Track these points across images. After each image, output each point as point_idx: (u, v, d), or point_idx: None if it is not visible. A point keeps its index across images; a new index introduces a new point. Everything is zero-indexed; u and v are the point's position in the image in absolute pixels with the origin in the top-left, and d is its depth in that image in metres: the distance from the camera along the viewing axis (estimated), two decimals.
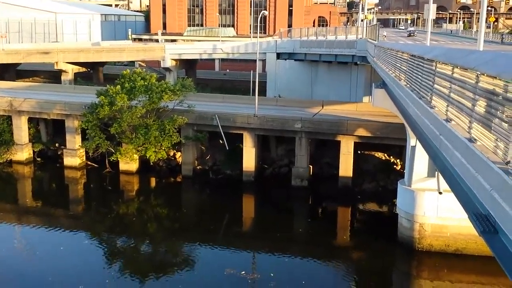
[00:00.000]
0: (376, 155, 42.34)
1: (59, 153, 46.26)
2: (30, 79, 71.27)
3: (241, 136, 40.80)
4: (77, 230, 32.77)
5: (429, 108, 15.35)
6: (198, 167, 43.24)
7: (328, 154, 43.21)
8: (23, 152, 45.30)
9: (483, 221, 9.82)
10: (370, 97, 42.65)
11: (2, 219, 34.56)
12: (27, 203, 39.48)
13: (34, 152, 46.38)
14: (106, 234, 32.90)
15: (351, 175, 38.92)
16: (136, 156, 41.69)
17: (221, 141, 42.74)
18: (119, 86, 40.64)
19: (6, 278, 25.88)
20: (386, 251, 30.19)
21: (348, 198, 38.49)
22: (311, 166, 40.73)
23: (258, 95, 41.63)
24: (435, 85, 15.27)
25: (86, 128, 41.83)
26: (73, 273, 26.41)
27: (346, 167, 38.80)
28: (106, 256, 29.45)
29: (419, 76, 18.16)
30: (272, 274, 26.66)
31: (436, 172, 28.50)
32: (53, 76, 69.67)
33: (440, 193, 28.45)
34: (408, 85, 21.05)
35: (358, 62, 48.74)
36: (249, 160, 40.72)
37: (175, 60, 60.64)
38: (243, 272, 26.61)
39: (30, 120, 46.32)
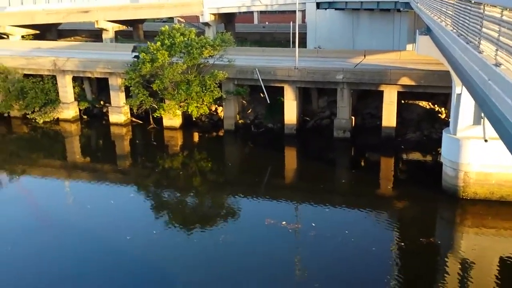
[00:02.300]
0: (420, 104, 41.46)
1: (104, 110, 47.45)
2: (72, 38, 72.48)
3: (282, 89, 40.63)
4: (125, 185, 33.93)
5: (477, 53, 14.84)
6: (239, 121, 43.55)
7: (371, 104, 42.66)
8: (69, 110, 46.64)
9: None
10: (414, 44, 41.49)
11: (53, 175, 36.13)
12: (76, 159, 40.97)
13: (80, 110, 47.66)
14: (152, 187, 33.96)
15: (395, 125, 38.41)
16: (179, 112, 42.30)
17: (262, 95, 42.74)
18: (159, 42, 40.86)
19: (60, 231, 27.29)
20: (430, 200, 30.03)
21: (391, 149, 38.14)
22: (353, 117, 40.35)
23: (298, 47, 41.06)
24: (483, 29, 14.69)
25: (129, 85, 42.58)
26: (122, 225, 27.56)
27: (389, 117, 38.25)
28: (153, 208, 30.48)
29: (466, 20, 17.48)
30: (313, 224, 27.03)
31: (482, 120, 27.85)
32: (94, 35, 70.62)
33: (486, 140, 27.88)
34: (454, 30, 20.32)
35: (401, 9, 47.16)
36: (290, 113, 40.65)
37: (214, 14, 60.19)
38: (284, 222, 27.09)
39: (74, 79, 47.38)
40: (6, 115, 47.49)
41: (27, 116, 46.53)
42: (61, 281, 22.71)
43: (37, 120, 45.89)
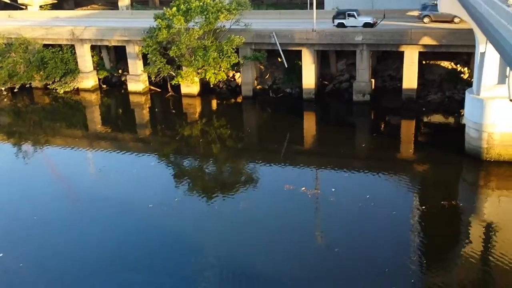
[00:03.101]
0: (441, 64, 40.47)
1: (123, 79, 47.51)
2: (89, 7, 72.13)
3: (300, 52, 39.99)
4: (146, 153, 34.16)
5: (506, 6, 14.22)
6: (257, 87, 43.18)
7: (391, 66, 41.85)
8: (88, 80, 46.78)
9: None
10: (436, 2, 40.10)
11: (75, 145, 36.52)
12: (97, 128, 41.30)
13: (99, 79, 47.79)
14: (173, 156, 34.16)
15: (416, 87, 37.65)
16: (196, 79, 42.06)
17: (279, 59, 42.18)
18: (175, 8, 40.37)
19: (84, 200, 27.79)
20: (453, 163, 29.62)
21: (412, 111, 37.53)
22: (373, 80, 39.64)
23: (316, 9, 40.13)
24: None
25: (146, 53, 42.39)
26: (144, 193, 27.89)
27: (410, 79, 37.47)
28: (174, 176, 30.70)
29: None
30: (333, 189, 26.93)
31: (507, 79, 27.07)
32: (110, 2, 70.14)
33: (511, 100, 27.13)
34: None
35: None
36: (308, 77, 40.09)
37: None
38: (303, 188, 27.05)
39: (92, 48, 47.33)
40: (28, 85, 47.90)
41: (48, 86, 46.91)
42: (83, 246, 23.24)
43: (57, 90, 46.25)
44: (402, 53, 37.51)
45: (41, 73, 46.50)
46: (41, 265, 22.22)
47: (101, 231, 24.60)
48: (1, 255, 22.96)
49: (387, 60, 42.26)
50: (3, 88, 47.27)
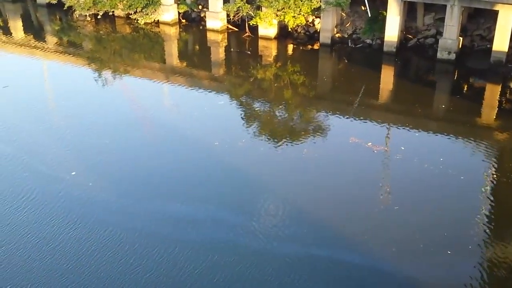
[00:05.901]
0: None
1: (202, 15, 47.55)
2: None
3: (386, 2, 38.11)
4: (218, 91, 34.48)
5: None
6: (336, 35, 41.91)
7: (482, 25, 39.15)
8: (169, 13, 47.18)
9: None
10: None
11: (152, 77, 37.45)
12: (174, 63, 42.03)
13: (179, 13, 48.09)
14: (244, 97, 34.28)
15: (506, 50, 35.12)
16: (275, 21, 41.39)
17: (363, 8, 40.47)
18: None
19: (156, 130, 28.81)
20: None
21: (500, 75, 35.27)
22: (461, 38, 37.33)
23: None
24: None
25: None
26: (212, 131, 28.42)
27: (501, 41, 34.93)
28: (243, 117, 30.90)
29: None
30: (402, 148, 26.22)
31: None
32: None
33: None
34: None
35: None
36: (392, 29, 38.31)
37: None
38: (370, 143, 26.48)
39: None
40: (110, 13, 49.10)
41: (130, 16, 47.87)
42: (149, 174, 24.27)
43: (138, 21, 47.09)
44: (496, 12, 34.87)
45: (124, 2, 47.36)
46: (108, 185, 23.45)
47: (167, 160, 25.57)
48: (74, 173, 24.41)
49: (478, 18, 39.51)
50: (87, 14, 48.77)
